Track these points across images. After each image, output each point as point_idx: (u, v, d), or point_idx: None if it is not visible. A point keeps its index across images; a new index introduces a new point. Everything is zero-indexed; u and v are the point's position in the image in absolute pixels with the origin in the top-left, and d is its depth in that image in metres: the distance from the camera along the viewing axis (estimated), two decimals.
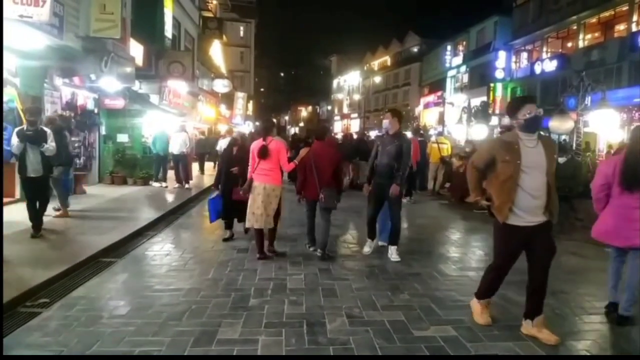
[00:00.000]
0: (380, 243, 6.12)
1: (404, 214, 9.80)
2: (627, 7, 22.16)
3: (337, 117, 68.06)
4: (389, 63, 55.07)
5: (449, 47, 40.26)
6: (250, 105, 43.19)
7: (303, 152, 5.92)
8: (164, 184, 11.80)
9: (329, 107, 73.98)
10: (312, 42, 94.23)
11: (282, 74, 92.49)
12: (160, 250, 5.95)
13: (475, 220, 8.53)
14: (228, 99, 32.42)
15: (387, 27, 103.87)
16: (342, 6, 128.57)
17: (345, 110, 65.61)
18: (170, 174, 12.29)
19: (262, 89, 70.92)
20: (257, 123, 53.13)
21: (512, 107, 3.61)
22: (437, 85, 42.22)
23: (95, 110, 11.64)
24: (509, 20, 32.10)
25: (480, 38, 35.83)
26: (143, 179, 11.94)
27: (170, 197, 10.28)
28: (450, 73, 40.24)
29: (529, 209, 3.51)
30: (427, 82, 45.62)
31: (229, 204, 6.33)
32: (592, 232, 4.28)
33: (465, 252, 6.44)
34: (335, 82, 69.92)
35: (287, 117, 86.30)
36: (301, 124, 72.96)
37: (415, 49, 49.80)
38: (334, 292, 4.38)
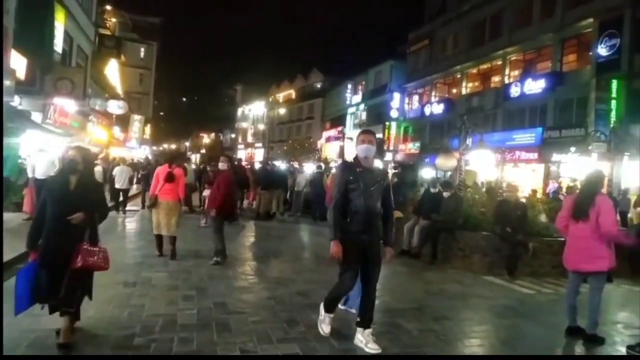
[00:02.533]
0: (342, 307, 4.64)
1: (306, 245, 9.92)
2: (501, 62, 25.38)
3: (241, 146, 67.54)
4: (293, 96, 56.46)
5: (349, 86, 42.53)
6: (148, 128, 41.14)
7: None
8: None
9: (233, 135, 73.24)
10: (217, 70, 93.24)
11: (184, 99, 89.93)
12: None
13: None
14: (123, 121, 30.62)
15: (293, 62, 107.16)
16: (249, 38, 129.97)
17: (250, 139, 65.46)
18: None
19: (161, 113, 68.07)
20: (154, 148, 50.73)
21: None
22: (338, 120, 44.10)
23: None
24: (404, 64, 34.93)
25: (378, 79, 38.39)
26: (17, 204, 10.61)
27: None
28: (351, 110, 42.35)
29: None
30: (329, 117, 47.47)
31: (55, 276, 3.51)
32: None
33: None
34: (240, 111, 69.68)
35: (187, 143, 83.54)
36: (203, 151, 71.11)
37: (319, 85, 51.82)
38: (229, 327, 4.21)
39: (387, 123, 34.68)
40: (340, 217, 3.87)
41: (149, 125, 41.53)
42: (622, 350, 4.32)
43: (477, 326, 4.82)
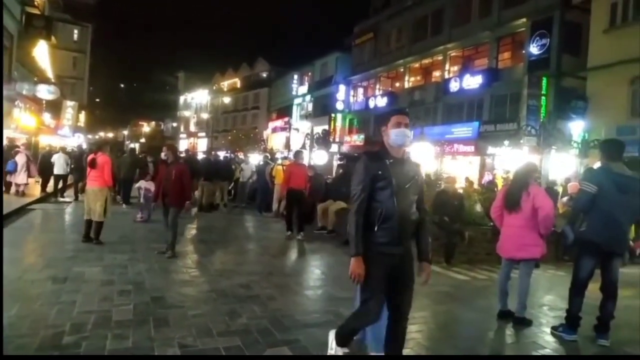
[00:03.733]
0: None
1: (250, 237, 9.81)
2: (441, 57, 26.22)
3: (183, 135, 65.47)
4: (239, 85, 55.43)
5: (295, 77, 42.37)
6: (82, 116, 38.82)
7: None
8: None
9: (175, 124, 70.84)
10: (158, 56, 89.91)
11: (122, 85, 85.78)
12: None
13: (316, 240, 8.93)
14: (55, 108, 28.66)
15: (238, 51, 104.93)
16: (192, 24, 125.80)
17: (193, 128, 63.59)
18: None
19: (97, 100, 64.55)
20: (90, 136, 48.02)
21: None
22: (285, 111, 43.85)
23: None
24: (349, 57, 35.23)
25: (324, 71, 38.50)
26: None
27: None
28: (297, 101, 42.22)
29: None
30: (275, 108, 47.08)
31: None
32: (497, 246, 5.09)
33: (305, 272, 6.66)
34: (182, 99, 67.45)
35: (126, 132, 79.82)
36: (142, 140, 68.27)
37: (265, 75, 51.19)
38: (167, 322, 4.07)
39: (332, 115, 34.93)
40: (364, 225, 2.91)
41: (83, 112, 39.16)
42: (548, 331, 4.62)
43: (416, 312, 4.96)
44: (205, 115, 56.01)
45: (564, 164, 16.89)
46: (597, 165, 5.02)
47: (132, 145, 39.60)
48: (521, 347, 4.22)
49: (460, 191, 9.47)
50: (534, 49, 19.55)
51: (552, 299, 5.96)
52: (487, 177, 19.46)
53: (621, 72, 15.78)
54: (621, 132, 15.53)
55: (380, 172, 2.93)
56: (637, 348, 4.32)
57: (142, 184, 10.41)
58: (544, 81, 18.76)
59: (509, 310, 4.81)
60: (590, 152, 14.46)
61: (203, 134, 57.72)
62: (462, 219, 7.80)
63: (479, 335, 4.53)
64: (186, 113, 66.00)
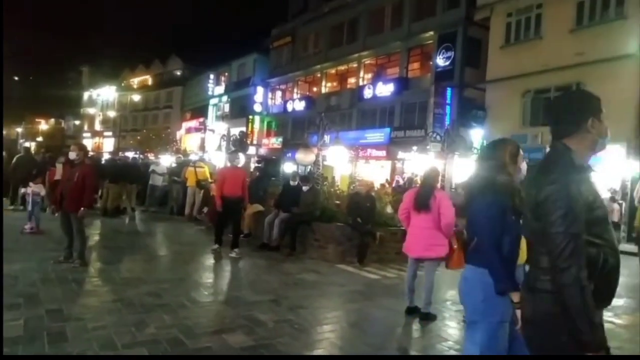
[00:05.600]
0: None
1: (160, 242, 9.34)
2: (356, 65, 27.11)
3: (87, 134, 60.81)
4: (150, 82, 52.82)
5: (212, 76, 41.35)
6: None
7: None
8: None
9: (77, 122, 65.61)
10: (59, 47, 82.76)
11: (16, 78, 77.60)
12: None
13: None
14: None
15: (150, 47, 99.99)
16: (99, 16, 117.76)
17: (98, 127, 59.38)
18: None
19: None
20: None
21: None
22: (200, 111, 42.59)
23: None
24: (267, 59, 35.16)
25: (242, 72, 38.03)
26: None
27: None
28: (213, 101, 41.22)
29: None
30: (190, 107, 45.56)
31: None
32: (403, 246, 5.29)
33: (219, 277, 6.50)
34: (86, 95, 62.69)
35: (20, 130, 72.29)
36: (39, 139, 62.34)
37: (179, 73, 49.38)
38: (64, 336, 3.74)
39: (250, 117, 34.59)
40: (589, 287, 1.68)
41: None
42: (451, 325, 4.95)
43: (329, 312, 5.08)
44: (112, 113, 52.54)
45: (465, 168, 18.30)
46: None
47: (26, 144, 35.96)
48: (426, 341, 4.47)
49: (373, 193, 9.85)
50: (440, 61, 20.95)
51: (455, 295, 6.36)
52: (398, 180, 20.48)
53: (515, 85, 17.48)
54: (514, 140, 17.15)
55: (591, 198, 1.80)
56: None
57: (31, 187, 8.77)
58: (449, 91, 20.19)
59: (416, 306, 5.08)
60: None
61: (110, 133, 54.14)
62: (374, 220, 8.11)
63: (388, 331, 4.72)
64: (91, 110, 61.47)
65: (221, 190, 7.74)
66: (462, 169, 18.33)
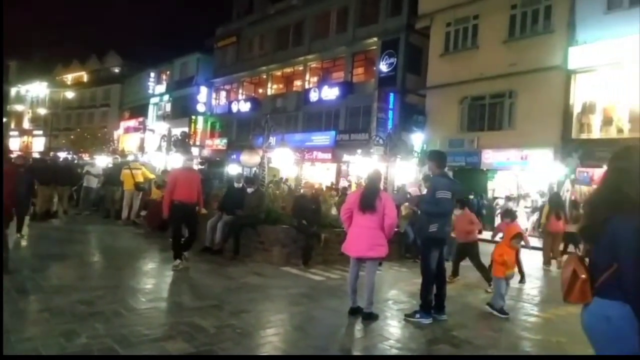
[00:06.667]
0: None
1: (94, 247, 8.84)
2: (302, 67, 27.20)
3: (14, 133, 56.60)
4: (85, 79, 50.11)
5: (152, 74, 39.91)
6: None
7: None
8: None
9: (4, 119, 60.88)
10: None
11: None
12: None
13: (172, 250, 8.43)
14: None
15: (86, 41, 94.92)
16: (29, 8, 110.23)
17: (27, 125, 55.45)
18: None
19: None
20: None
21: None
22: (139, 110, 40.97)
23: None
24: (211, 59, 34.44)
25: (184, 71, 37.00)
26: None
27: None
28: (154, 100, 39.81)
29: None
30: (129, 106, 43.73)
31: None
32: (342, 247, 5.30)
33: (157, 283, 6.24)
34: (13, 91, 58.32)
35: None
36: None
37: (117, 70, 47.24)
38: None
39: (193, 117, 33.71)
40: None
41: None
42: (393, 324, 5.05)
43: (273, 316, 5.02)
44: (43, 111, 49.29)
45: (406, 171, 18.89)
46: (425, 172, 6.03)
47: None
48: (369, 341, 4.53)
49: (318, 195, 9.90)
50: (383, 67, 21.48)
51: (396, 294, 6.55)
52: (343, 183, 20.74)
53: (453, 92, 18.26)
54: (452, 145, 17.94)
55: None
56: (465, 331, 4.95)
57: None
58: (391, 96, 20.74)
59: (358, 306, 5.14)
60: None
61: (40, 132, 50.78)
62: (319, 222, 8.14)
63: (331, 332, 4.74)
64: (18, 107, 57.28)
65: (172, 195, 6.88)
66: (403, 171, 18.89)
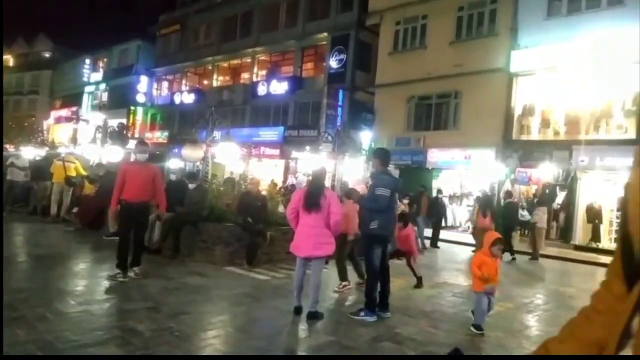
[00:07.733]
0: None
1: (18, 247, 8.13)
2: (250, 60, 26.66)
3: None
4: (11, 63, 46.46)
5: (87, 61, 37.65)
6: None
7: None
8: None
9: None
10: None
11: None
12: None
13: (106, 248, 7.90)
14: None
15: (11, 21, 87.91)
16: None
17: None
18: None
19: None
20: None
21: None
22: (73, 99, 38.60)
23: None
24: (153, 47, 32.99)
25: (123, 58, 35.25)
26: None
27: None
28: (89, 88, 37.66)
29: None
30: (61, 95, 41.09)
31: None
32: (290, 246, 5.19)
33: (89, 285, 5.81)
34: None
35: None
36: None
37: (47, 55, 44.18)
38: None
39: (132, 108, 32.18)
40: None
41: None
42: (337, 322, 5.00)
43: (214, 317, 4.82)
44: None
45: (354, 168, 19.05)
46: (372, 169, 6.12)
47: None
48: (313, 341, 4.45)
49: (264, 193, 9.70)
50: (333, 63, 21.49)
51: (342, 292, 6.51)
52: (291, 180, 20.59)
53: (401, 91, 18.56)
54: (399, 143, 18.27)
55: None
56: (407, 328, 4.98)
57: None
58: (341, 93, 20.80)
59: (303, 305, 5.05)
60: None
61: None
62: (265, 220, 7.95)
63: (275, 332, 4.61)
64: None
65: (120, 192, 6.05)
66: (351, 169, 19.04)
